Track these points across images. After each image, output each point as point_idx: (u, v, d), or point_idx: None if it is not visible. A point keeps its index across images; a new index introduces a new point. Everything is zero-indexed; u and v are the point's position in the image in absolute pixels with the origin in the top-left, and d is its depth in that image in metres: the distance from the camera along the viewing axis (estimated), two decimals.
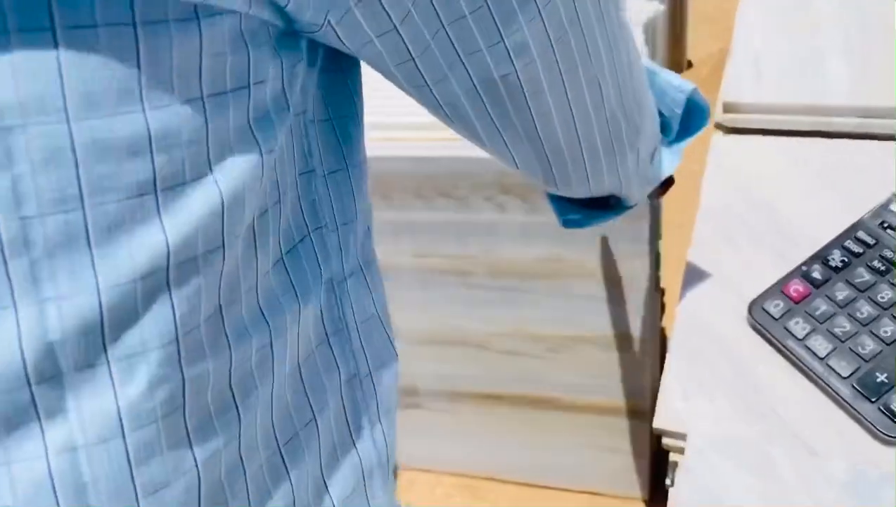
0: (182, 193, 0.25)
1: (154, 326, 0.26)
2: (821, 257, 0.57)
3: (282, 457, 0.33)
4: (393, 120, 0.87)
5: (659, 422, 0.54)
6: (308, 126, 0.33)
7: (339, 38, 0.29)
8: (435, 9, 0.29)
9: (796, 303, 0.55)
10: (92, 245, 0.24)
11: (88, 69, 0.23)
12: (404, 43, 0.30)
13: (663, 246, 1.05)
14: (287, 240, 0.32)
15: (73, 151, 0.23)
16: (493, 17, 0.30)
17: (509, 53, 0.32)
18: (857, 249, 0.57)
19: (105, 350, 0.25)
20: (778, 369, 0.54)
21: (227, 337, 0.28)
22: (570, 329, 1.00)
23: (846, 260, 0.57)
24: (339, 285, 0.36)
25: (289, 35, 0.28)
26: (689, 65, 2.05)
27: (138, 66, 0.23)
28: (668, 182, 0.59)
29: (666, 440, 0.54)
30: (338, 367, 0.36)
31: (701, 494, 0.49)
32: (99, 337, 0.25)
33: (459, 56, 0.31)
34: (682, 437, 0.53)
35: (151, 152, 0.24)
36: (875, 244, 0.57)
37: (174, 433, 0.27)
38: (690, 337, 0.57)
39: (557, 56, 0.34)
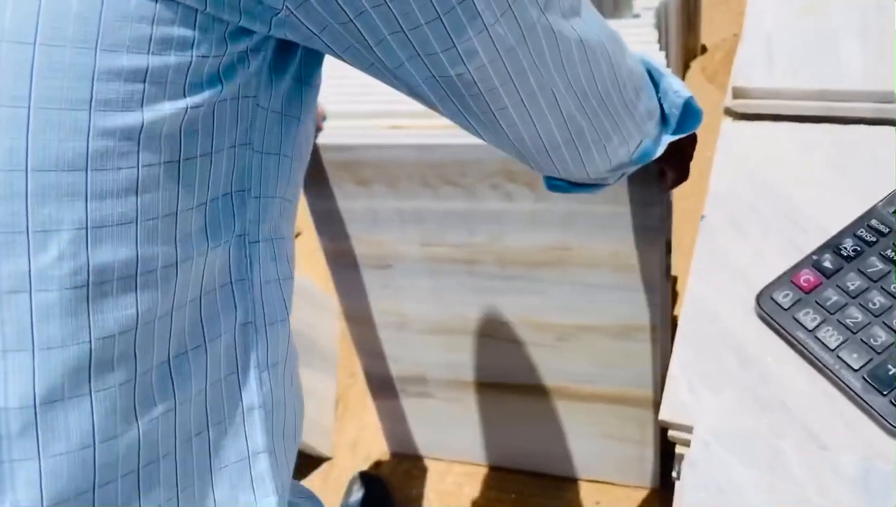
0: (111, 116, 0.32)
1: (68, 209, 0.32)
2: (832, 245, 0.56)
3: (170, 368, 0.38)
4: (398, 108, 0.86)
5: (665, 414, 0.53)
6: (256, 110, 0.39)
7: (300, 21, 0.35)
8: (393, 13, 0.35)
9: (806, 293, 0.54)
10: (29, 136, 0.31)
11: (62, 11, 0.30)
12: (361, 33, 0.36)
13: (674, 233, 1.03)
14: (214, 190, 0.38)
15: (32, 67, 0.30)
16: (446, 28, 0.36)
17: (461, 57, 0.38)
18: (869, 237, 0.56)
19: (27, 217, 0.32)
20: (787, 361, 0.53)
21: (136, 244, 0.34)
22: (578, 318, 0.99)
23: (858, 249, 0.55)
24: (252, 244, 0.41)
25: (241, 32, 0.35)
26: (703, 49, 2.02)
27: (99, 20, 0.31)
28: (680, 178, 0.66)
29: (672, 433, 0.54)
30: (236, 309, 0.41)
31: (707, 488, 0.48)
32: (23, 204, 0.32)
33: (417, 52, 0.37)
34: (689, 429, 0.52)
35: (93, 81, 0.31)
36: (888, 233, 0.56)
37: (75, 305, 0.33)
38: (697, 327, 0.56)
39: (506, 64, 0.40)
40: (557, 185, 0.59)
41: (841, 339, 0.51)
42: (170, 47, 0.33)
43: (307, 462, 1.39)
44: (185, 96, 0.34)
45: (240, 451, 0.42)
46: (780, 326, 0.53)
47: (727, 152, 0.66)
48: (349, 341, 1.18)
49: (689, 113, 0.57)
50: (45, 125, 0.31)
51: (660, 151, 0.57)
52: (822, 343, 0.52)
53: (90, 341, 0.34)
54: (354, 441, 1.42)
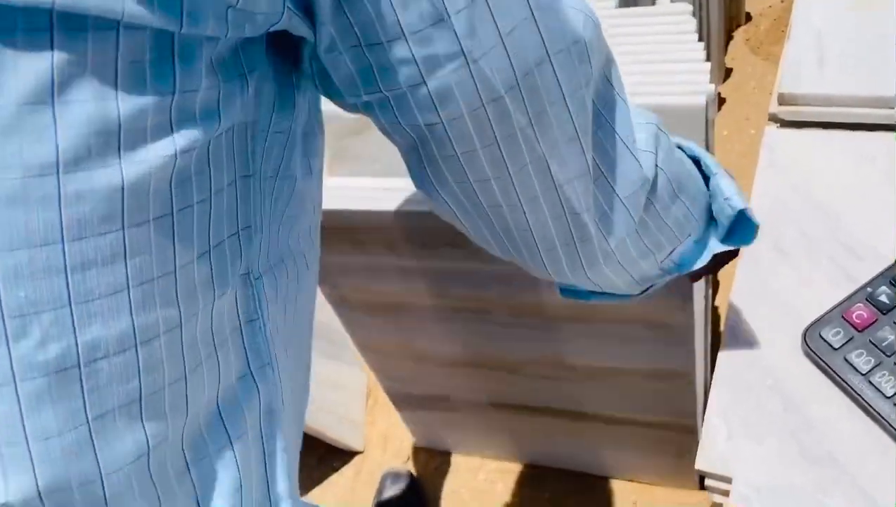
0: (83, 176, 0.28)
1: (46, 288, 0.28)
2: (889, 277, 0.51)
3: (182, 438, 0.34)
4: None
5: (701, 463, 0.50)
6: (257, 134, 0.34)
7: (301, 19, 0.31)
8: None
9: (859, 331, 0.49)
10: None
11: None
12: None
13: None
14: (216, 235, 0.33)
15: None
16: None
17: (433, 101, 0.33)
18: None
19: (1, 308, 0.28)
20: (837, 407, 0.48)
21: (131, 313, 0.30)
22: (607, 362, 0.92)
23: None
24: (257, 280, 0.37)
25: (232, 51, 0.30)
26: (748, 18, 1.92)
27: (52, 65, 0.26)
28: (714, 268, 0.56)
29: (709, 482, 0.50)
30: (247, 354, 0.37)
31: None
32: None
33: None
34: (727, 481, 0.48)
35: (55, 136, 0.27)
36: None
37: (67, 389, 0.30)
38: (737, 366, 0.52)
39: (502, 148, 0.35)
40: (570, 290, 0.50)
41: None
42: (143, 89, 0.28)
43: (338, 456, 1.39)
44: (174, 142, 0.29)
45: (262, 502, 0.40)
46: (829, 367, 0.49)
47: (771, 164, 0.60)
48: None
49: (743, 224, 0.48)
50: (8, 202, 0.27)
51: (703, 261, 0.48)
52: (877, 389, 0.47)
53: (87, 423, 0.31)
54: (386, 435, 1.40)
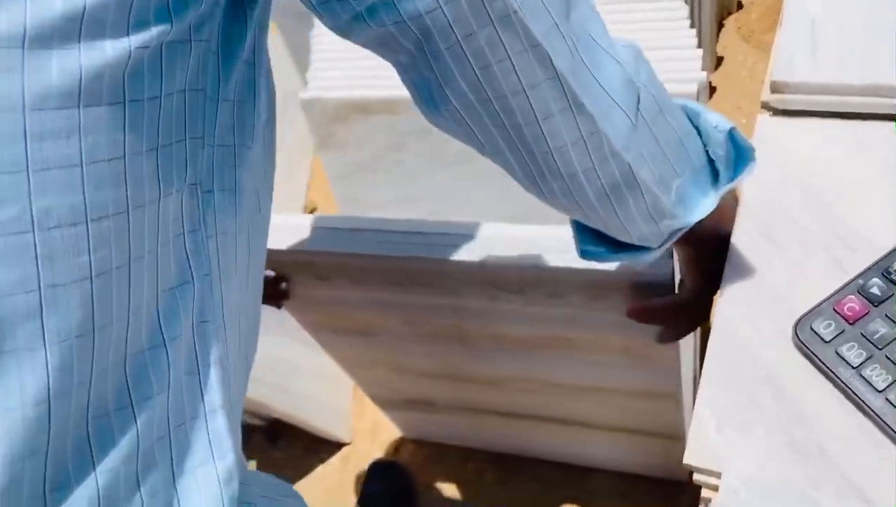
0: (46, 56, 0.31)
1: (6, 152, 0.31)
2: (881, 268, 0.50)
3: (128, 323, 0.36)
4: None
5: (690, 457, 0.49)
6: (208, 55, 0.38)
7: None
8: None
9: (851, 324, 0.48)
10: None
11: None
12: None
13: None
14: (165, 136, 0.36)
15: None
16: None
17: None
18: None
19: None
20: (829, 400, 0.47)
21: (83, 188, 0.33)
22: (591, 382, 0.91)
23: None
24: (206, 193, 0.40)
25: None
26: (739, 6, 1.90)
27: None
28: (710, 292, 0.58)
29: (697, 476, 0.49)
30: (189, 261, 0.40)
31: None
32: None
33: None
34: (717, 475, 0.48)
35: (25, 14, 0.30)
36: None
37: (20, 251, 0.32)
38: (727, 357, 0.51)
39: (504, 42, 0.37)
40: (592, 252, 0.53)
41: (890, 379, 0.46)
42: None
43: (326, 447, 1.38)
44: (128, 37, 0.32)
45: (195, 408, 0.41)
46: (820, 361, 0.48)
47: (763, 154, 0.59)
48: None
49: (738, 151, 0.50)
50: None
51: (711, 206, 0.50)
52: (868, 383, 0.46)
53: (39, 289, 0.33)
54: (374, 425, 1.40)
